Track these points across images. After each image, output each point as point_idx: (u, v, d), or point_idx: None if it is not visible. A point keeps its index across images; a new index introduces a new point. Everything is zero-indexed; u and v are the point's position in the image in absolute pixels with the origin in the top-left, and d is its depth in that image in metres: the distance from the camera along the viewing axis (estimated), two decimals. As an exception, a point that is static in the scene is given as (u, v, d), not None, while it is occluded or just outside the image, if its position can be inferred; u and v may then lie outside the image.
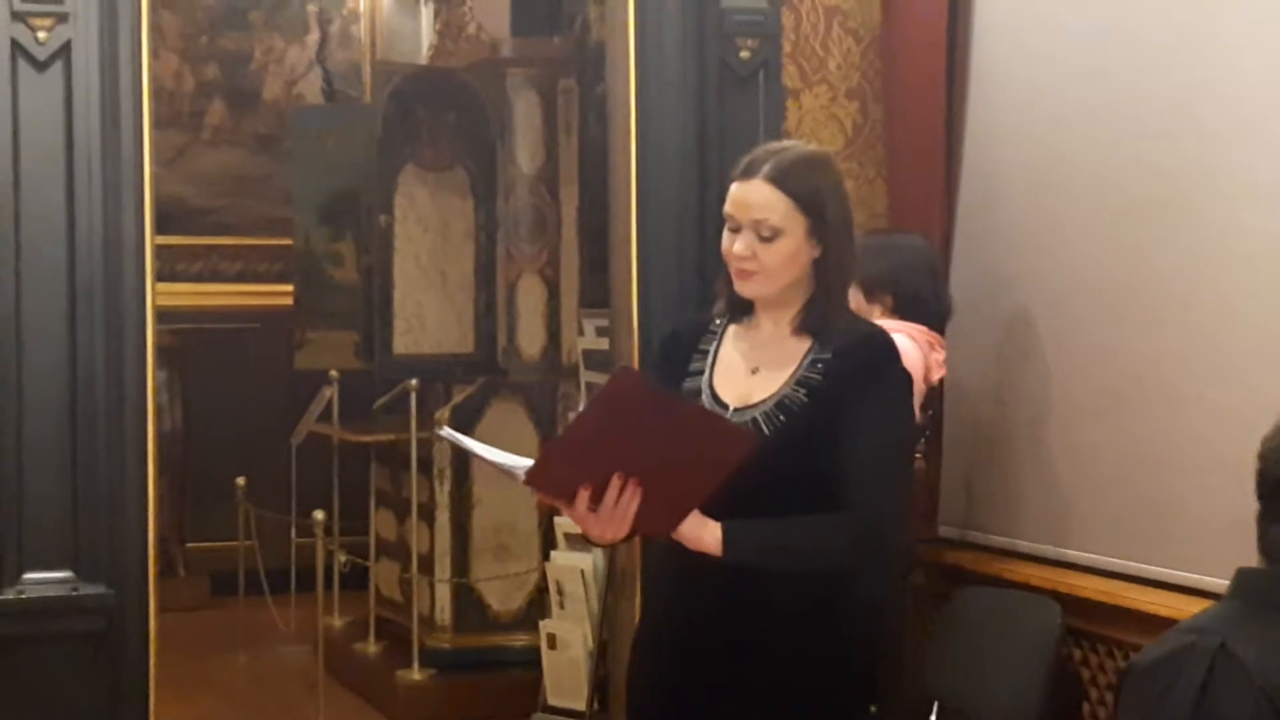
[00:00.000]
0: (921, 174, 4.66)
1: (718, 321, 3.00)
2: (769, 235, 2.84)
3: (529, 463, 2.75)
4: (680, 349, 3.00)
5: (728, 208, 2.89)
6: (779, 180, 2.85)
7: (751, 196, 2.86)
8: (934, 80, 4.59)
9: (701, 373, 2.94)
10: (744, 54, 4.39)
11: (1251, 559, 2.50)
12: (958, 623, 4.28)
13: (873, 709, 2.96)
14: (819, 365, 2.85)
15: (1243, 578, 2.46)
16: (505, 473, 2.81)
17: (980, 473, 4.53)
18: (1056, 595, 4.03)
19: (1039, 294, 4.28)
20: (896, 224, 4.72)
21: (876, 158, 4.84)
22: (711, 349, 2.97)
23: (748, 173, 2.88)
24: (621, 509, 2.71)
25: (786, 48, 4.66)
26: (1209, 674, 2.33)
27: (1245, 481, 2.57)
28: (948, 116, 4.59)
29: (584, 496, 2.72)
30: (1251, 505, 2.52)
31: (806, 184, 2.84)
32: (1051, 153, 4.22)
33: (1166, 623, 3.38)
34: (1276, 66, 3.51)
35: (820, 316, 2.88)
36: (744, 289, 2.90)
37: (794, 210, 2.83)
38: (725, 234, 2.90)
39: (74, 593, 3.93)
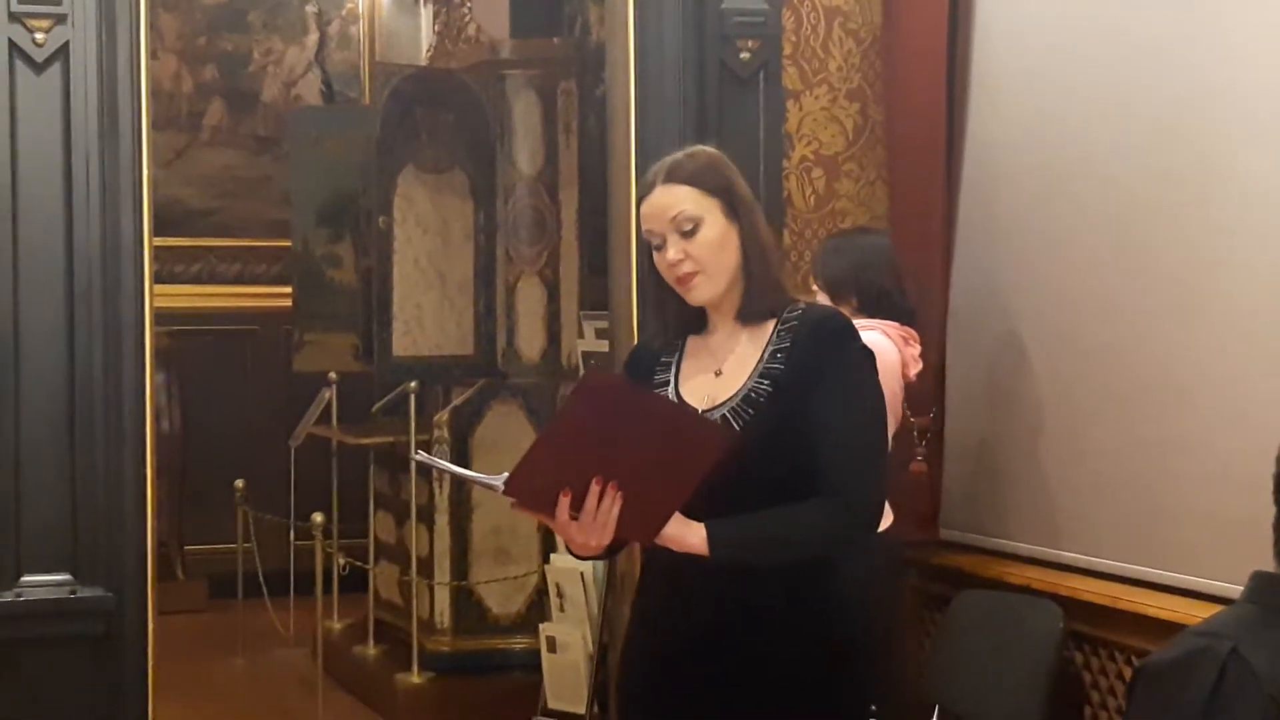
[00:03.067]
0: (922, 176, 4.65)
1: (675, 340, 3.02)
2: (690, 228, 2.89)
3: (506, 474, 2.75)
4: (645, 364, 3.02)
5: (644, 228, 2.95)
6: (676, 177, 2.91)
7: (659, 201, 2.91)
8: (935, 82, 4.58)
9: (667, 383, 2.96)
10: (744, 55, 4.38)
11: (1253, 562, 2.49)
12: (959, 626, 4.27)
13: (873, 708, 2.95)
14: (779, 355, 2.88)
15: (1258, 581, 2.45)
16: (485, 486, 2.81)
17: (981, 476, 4.52)
18: (1058, 598, 4.02)
19: (1041, 297, 4.27)
20: (898, 226, 4.71)
21: (877, 159, 4.83)
22: (674, 360, 3.00)
23: (648, 189, 2.94)
24: (603, 515, 2.73)
25: (787, 49, 4.65)
26: (1220, 678, 2.32)
27: (1248, 485, 2.57)
28: (949, 118, 4.58)
29: (564, 504, 2.73)
30: (1253, 508, 2.51)
31: (703, 170, 2.94)
32: (1054, 155, 4.21)
33: (1168, 626, 3.37)
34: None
35: (756, 296, 2.91)
36: (693, 296, 2.93)
37: (702, 196, 2.90)
38: (655, 257, 2.94)
39: (72, 595, 3.92)
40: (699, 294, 2.92)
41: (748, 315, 2.93)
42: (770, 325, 2.92)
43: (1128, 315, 3.94)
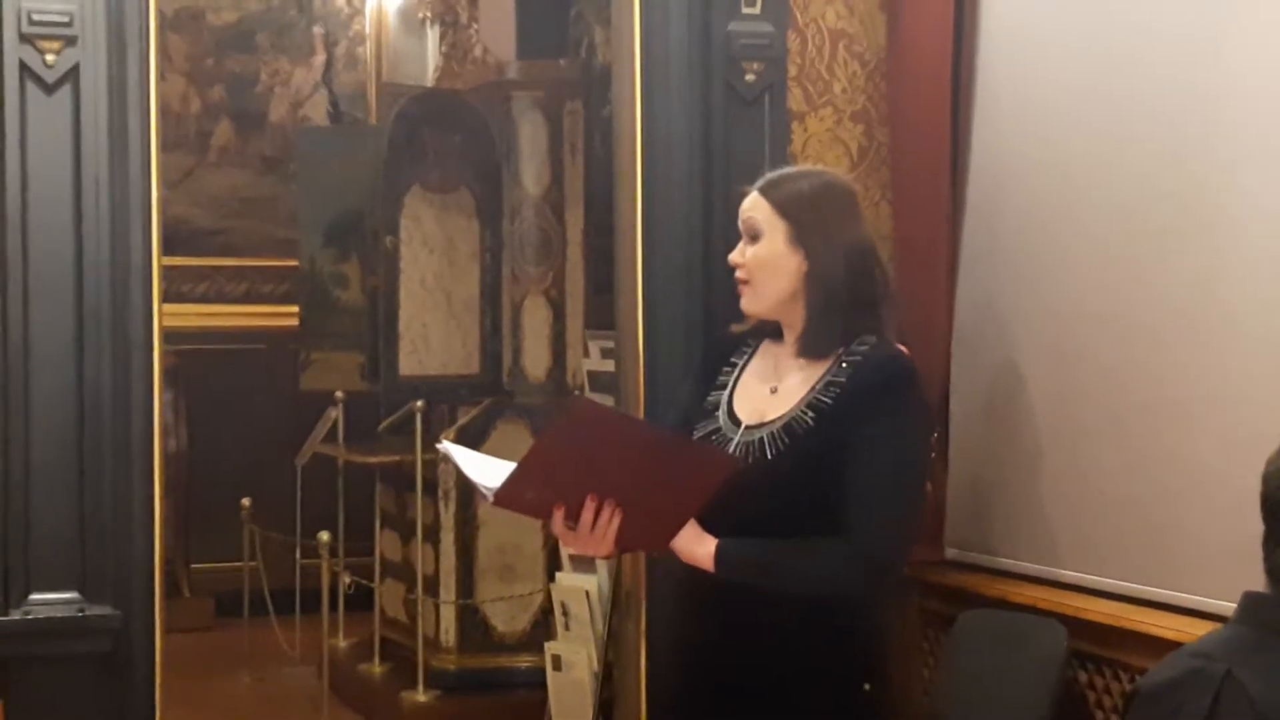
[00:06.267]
0: (927, 197, 4.66)
1: (751, 340, 3.04)
2: (754, 236, 2.93)
3: (498, 484, 2.78)
4: (717, 360, 3.05)
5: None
6: (764, 188, 2.99)
7: (743, 204, 3.01)
8: (939, 104, 4.60)
9: (724, 387, 2.98)
10: (749, 77, 4.41)
11: (1256, 582, 2.50)
12: (963, 645, 4.28)
13: (866, 687, 2.94)
14: (832, 388, 2.87)
15: (1249, 602, 2.47)
16: (481, 492, 2.84)
17: (986, 495, 4.53)
18: (1062, 618, 4.02)
19: (1044, 318, 4.28)
20: (902, 247, 4.72)
21: (882, 181, 4.84)
22: (740, 363, 3.01)
23: (750, 190, 3.00)
24: (600, 529, 2.75)
25: (792, 71, 4.67)
26: (1215, 701, 2.33)
27: (1250, 504, 2.58)
28: (953, 140, 4.59)
29: (558, 517, 2.76)
30: (1254, 527, 2.53)
31: (790, 192, 2.95)
32: (1057, 177, 4.23)
33: (1171, 645, 3.38)
34: (1282, 92, 3.52)
35: (812, 336, 2.91)
36: (742, 303, 2.97)
37: (774, 215, 2.93)
38: None
39: (80, 614, 3.93)
40: (744, 303, 2.97)
41: (803, 351, 2.92)
42: (834, 354, 2.92)
43: (1130, 336, 3.96)
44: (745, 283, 2.94)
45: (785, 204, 2.93)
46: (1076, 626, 3.98)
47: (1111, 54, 4.03)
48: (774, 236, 2.92)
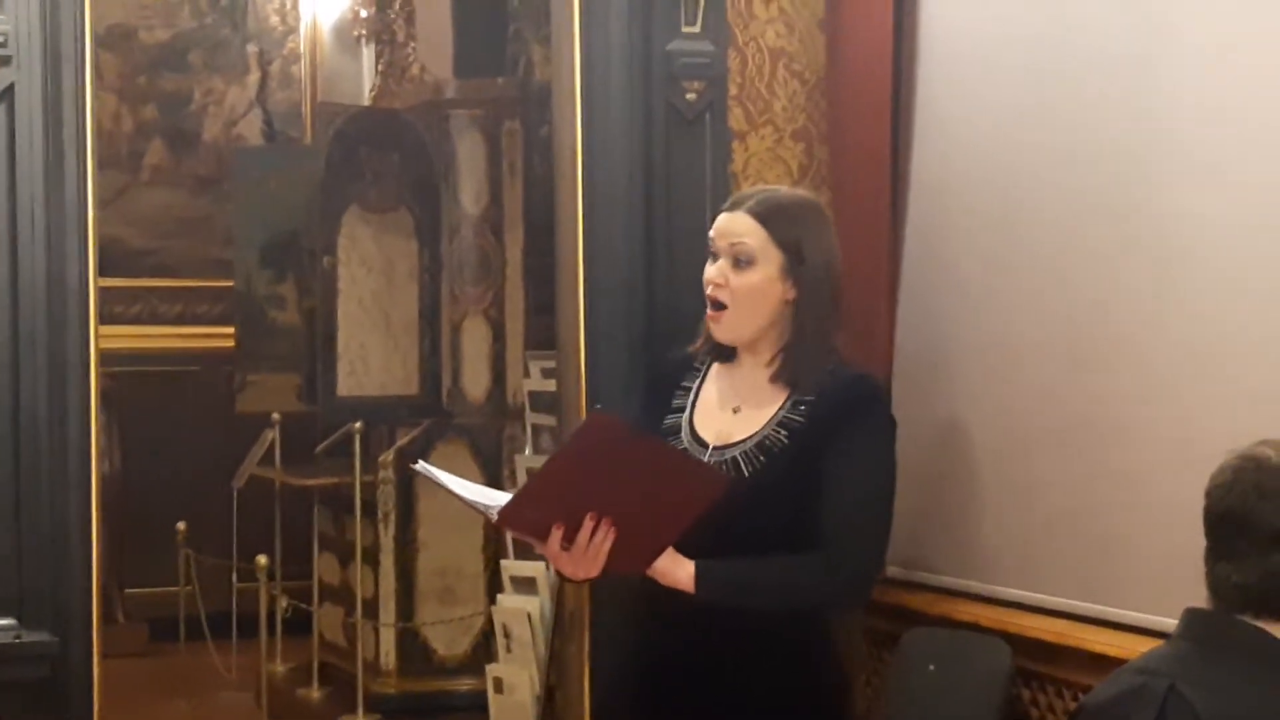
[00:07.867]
0: (867, 215, 4.67)
1: (698, 363, 3.02)
2: (744, 261, 2.90)
3: (501, 502, 2.77)
4: (665, 383, 3.03)
5: (710, 234, 2.99)
6: (761, 214, 2.94)
7: (733, 225, 2.95)
8: (879, 122, 4.61)
9: (682, 410, 2.97)
10: (690, 96, 4.41)
11: (1198, 598, 2.52)
12: (907, 663, 4.28)
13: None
14: (801, 407, 2.88)
15: (1191, 618, 2.49)
16: (479, 512, 2.82)
17: (929, 512, 4.53)
18: (1005, 635, 4.03)
19: (985, 335, 4.30)
20: (844, 265, 4.73)
21: (822, 199, 4.86)
22: (694, 386, 3.00)
23: (735, 204, 2.99)
24: (595, 549, 2.74)
25: (732, 90, 4.68)
26: (1159, 717, 2.35)
27: (1194, 521, 2.60)
28: (893, 158, 4.61)
29: (557, 536, 2.75)
30: (1198, 544, 2.55)
31: (788, 222, 2.92)
32: (998, 195, 4.25)
33: (1116, 662, 3.39)
34: (1220, 109, 3.55)
35: (797, 365, 2.90)
36: (716, 330, 2.94)
37: (770, 244, 2.90)
38: (708, 264, 2.95)
39: (17, 640, 3.89)
40: (721, 329, 2.93)
41: (782, 377, 2.91)
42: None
43: (1071, 353, 3.98)
44: (722, 305, 2.90)
45: (783, 236, 2.88)
46: (1020, 644, 3.99)
47: (1051, 71, 4.06)
48: (767, 266, 2.89)
